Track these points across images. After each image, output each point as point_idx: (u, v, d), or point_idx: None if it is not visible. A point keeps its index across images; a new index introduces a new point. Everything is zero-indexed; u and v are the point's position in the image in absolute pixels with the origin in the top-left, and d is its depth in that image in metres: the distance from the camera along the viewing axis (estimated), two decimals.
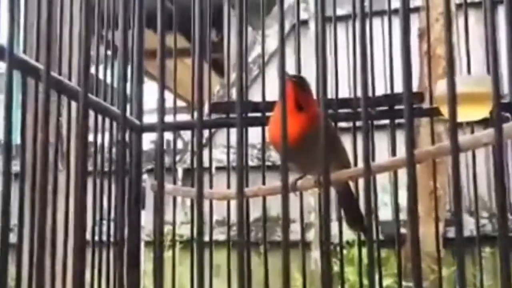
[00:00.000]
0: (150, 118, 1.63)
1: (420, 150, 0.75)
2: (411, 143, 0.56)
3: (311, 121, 0.99)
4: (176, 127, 1.42)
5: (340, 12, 1.53)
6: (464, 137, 0.69)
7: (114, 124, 1.30)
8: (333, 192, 1.12)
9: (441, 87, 1.11)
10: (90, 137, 1.18)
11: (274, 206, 1.36)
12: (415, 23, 3.19)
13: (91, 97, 1.17)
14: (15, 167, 0.87)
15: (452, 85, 0.54)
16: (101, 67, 1.38)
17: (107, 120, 1.28)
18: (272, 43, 3.22)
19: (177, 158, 3.47)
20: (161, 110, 0.60)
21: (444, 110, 1.11)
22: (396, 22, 1.39)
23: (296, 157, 0.99)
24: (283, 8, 0.66)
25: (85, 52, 0.53)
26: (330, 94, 1.17)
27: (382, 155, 1.23)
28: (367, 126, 0.59)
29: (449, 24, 0.59)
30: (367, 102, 0.62)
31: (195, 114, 1.55)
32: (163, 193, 0.62)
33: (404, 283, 1.43)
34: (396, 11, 1.41)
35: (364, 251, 1.44)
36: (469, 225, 2.43)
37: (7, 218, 0.69)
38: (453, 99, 0.55)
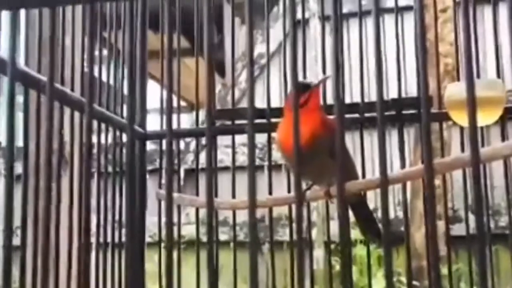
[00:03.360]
0: (150, 117, 1.61)
1: (436, 162, 0.73)
2: (430, 158, 0.54)
3: (322, 126, 0.98)
4: (182, 135, 1.40)
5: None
6: (482, 149, 0.67)
7: (116, 129, 1.29)
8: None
9: (450, 91, 1.09)
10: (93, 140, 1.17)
11: (275, 207, 1.35)
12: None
13: (95, 107, 1.15)
14: (17, 171, 0.86)
15: (472, 98, 0.52)
16: (100, 71, 1.37)
17: (110, 127, 1.27)
18: (271, 43, 3.19)
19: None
20: (169, 126, 0.58)
21: (453, 115, 1.09)
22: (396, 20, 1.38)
23: (305, 165, 0.98)
24: (295, 11, 0.64)
25: (89, 76, 0.51)
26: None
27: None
28: (383, 138, 0.57)
29: (468, 31, 0.57)
30: (380, 108, 0.60)
31: (200, 120, 1.54)
32: (172, 204, 0.60)
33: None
34: (398, 10, 1.40)
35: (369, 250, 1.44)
36: (472, 223, 2.42)
37: (10, 221, 0.67)
38: (473, 111, 0.53)
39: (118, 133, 1.28)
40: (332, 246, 1.83)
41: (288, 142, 0.98)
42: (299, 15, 1.67)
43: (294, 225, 1.22)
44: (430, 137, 0.54)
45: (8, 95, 0.64)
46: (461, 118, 1.06)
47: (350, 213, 1.29)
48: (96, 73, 1.34)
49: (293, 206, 1.25)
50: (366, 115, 1.28)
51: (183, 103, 5.84)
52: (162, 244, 1.41)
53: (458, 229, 2.74)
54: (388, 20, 1.58)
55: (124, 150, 1.28)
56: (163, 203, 1.38)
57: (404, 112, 1.25)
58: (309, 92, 1.03)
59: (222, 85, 3.96)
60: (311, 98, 1.03)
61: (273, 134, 1.22)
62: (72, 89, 1.10)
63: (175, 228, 1.40)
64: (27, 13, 0.97)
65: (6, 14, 0.65)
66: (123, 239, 1.31)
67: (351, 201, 1.09)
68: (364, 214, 1.13)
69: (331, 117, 1.16)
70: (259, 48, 3.65)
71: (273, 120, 1.28)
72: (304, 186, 1.06)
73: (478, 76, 1.32)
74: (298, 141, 0.58)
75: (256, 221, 0.55)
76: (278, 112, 1.25)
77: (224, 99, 3.70)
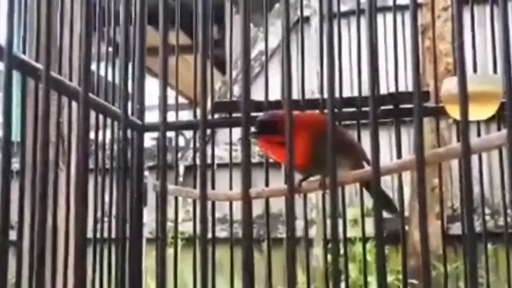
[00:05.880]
0: (151, 114, 1.62)
1: (428, 153, 0.73)
2: (421, 147, 0.54)
3: (311, 135, 0.97)
4: (179, 127, 1.40)
5: (342, 8, 1.51)
6: (475, 139, 0.67)
7: (115, 122, 1.29)
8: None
9: (447, 85, 1.10)
10: (91, 135, 1.17)
11: (275, 203, 1.35)
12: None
13: (92, 97, 1.15)
14: (15, 164, 0.87)
15: (463, 88, 0.52)
16: (101, 64, 1.37)
17: (108, 118, 1.27)
18: (272, 40, 3.20)
19: (179, 155, 3.46)
20: (164, 114, 0.59)
21: (450, 109, 1.09)
22: (398, 18, 1.38)
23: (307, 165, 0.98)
24: (289, 15, 0.64)
25: (85, 59, 0.51)
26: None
27: (383, 152, 1.21)
28: (376, 130, 0.58)
29: (460, 25, 0.57)
30: (374, 102, 0.61)
31: (198, 113, 1.54)
32: (166, 195, 0.61)
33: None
34: (398, 8, 1.41)
35: (367, 248, 1.44)
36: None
37: (7, 215, 0.68)
38: (464, 101, 0.53)
39: (116, 126, 1.29)
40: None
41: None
42: (300, 13, 1.67)
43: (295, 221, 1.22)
44: (422, 125, 0.54)
45: (5, 82, 0.65)
46: (457, 112, 1.07)
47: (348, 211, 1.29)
48: (94, 67, 1.35)
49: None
50: (364, 109, 1.29)
51: (185, 101, 5.85)
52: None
53: (458, 228, 2.74)
54: (389, 18, 1.58)
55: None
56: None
57: (401, 106, 1.26)
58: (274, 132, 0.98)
59: (223, 82, 3.97)
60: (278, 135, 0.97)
61: None
62: (70, 80, 1.10)
63: (173, 223, 1.40)
64: (25, 0, 0.97)
65: (3, 1, 0.66)
66: (122, 233, 1.31)
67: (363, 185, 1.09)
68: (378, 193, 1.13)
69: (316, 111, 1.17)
70: (260, 46, 3.65)
71: None
72: (300, 177, 1.07)
73: (476, 71, 1.32)
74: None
75: (251, 203, 0.56)
76: (276, 105, 1.26)
77: (225, 96, 3.70)
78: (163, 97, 0.56)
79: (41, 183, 0.64)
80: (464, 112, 0.52)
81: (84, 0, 0.54)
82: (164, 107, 0.59)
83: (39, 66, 0.93)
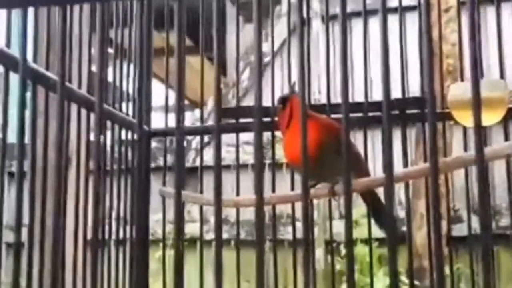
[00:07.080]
0: (155, 116, 1.62)
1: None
2: (435, 159, 0.54)
3: (322, 130, 0.98)
4: (187, 133, 1.41)
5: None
6: (485, 149, 0.68)
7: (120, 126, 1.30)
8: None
9: (453, 91, 1.10)
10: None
11: (277, 205, 1.35)
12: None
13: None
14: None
15: (477, 101, 0.52)
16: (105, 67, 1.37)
17: (115, 124, 1.28)
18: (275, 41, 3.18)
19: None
20: (178, 123, 0.59)
21: (457, 115, 1.10)
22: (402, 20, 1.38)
23: (313, 169, 0.98)
24: (305, 20, 0.64)
25: (100, 79, 0.51)
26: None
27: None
28: (390, 136, 0.58)
29: (473, 28, 0.58)
30: (387, 108, 0.61)
31: (204, 117, 1.55)
32: (181, 204, 0.61)
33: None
34: (403, 9, 1.40)
35: (367, 249, 1.44)
36: (474, 224, 2.42)
37: (20, 217, 0.69)
38: (478, 112, 0.54)
39: (121, 129, 1.29)
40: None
41: (296, 157, 0.98)
42: (306, 14, 1.67)
43: (297, 223, 1.23)
44: (436, 137, 0.54)
45: (20, 93, 0.65)
46: (464, 118, 1.07)
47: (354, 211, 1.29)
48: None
49: (296, 204, 1.26)
50: (370, 114, 1.29)
51: (185, 102, 5.85)
52: (167, 242, 1.42)
53: (458, 230, 2.74)
54: (391, 20, 1.58)
55: (129, 148, 1.29)
56: (166, 200, 1.39)
57: (407, 111, 1.26)
58: (288, 107, 1.04)
59: (224, 84, 3.96)
60: (294, 112, 1.03)
61: (277, 133, 1.23)
62: (79, 87, 1.11)
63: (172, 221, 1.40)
64: (35, 9, 0.97)
65: (16, 12, 0.66)
66: (127, 235, 1.32)
67: (365, 197, 1.09)
68: (378, 208, 1.12)
69: (324, 116, 1.18)
70: (262, 47, 3.63)
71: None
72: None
73: (481, 76, 1.33)
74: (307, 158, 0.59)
75: (263, 215, 0.56)
76: None
77: (225, 97, 3.70)
78: (178, 109, 0.56)
79: (57, 185, 0.65)
80: (478, 124, 0.52)
81: (100, 21, 0.54)
82: (178, 118, 0.59)
83: (51, 75, 0.93)
